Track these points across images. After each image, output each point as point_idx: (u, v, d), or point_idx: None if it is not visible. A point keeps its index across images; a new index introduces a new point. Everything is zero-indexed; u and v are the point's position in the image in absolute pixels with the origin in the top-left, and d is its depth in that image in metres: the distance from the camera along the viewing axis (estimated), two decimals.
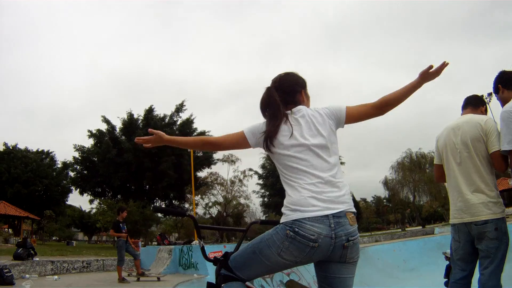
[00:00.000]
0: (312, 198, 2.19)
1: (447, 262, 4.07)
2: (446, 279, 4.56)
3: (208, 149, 2.53)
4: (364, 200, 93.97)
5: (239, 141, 2.51)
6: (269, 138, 2.39)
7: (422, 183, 52.19)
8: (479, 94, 4.43)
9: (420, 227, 47.70)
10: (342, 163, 52.05)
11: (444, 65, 2.47)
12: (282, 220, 2.24)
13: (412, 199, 55.75)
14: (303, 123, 2.41)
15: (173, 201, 50.20)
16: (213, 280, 2.43)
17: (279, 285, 10.10)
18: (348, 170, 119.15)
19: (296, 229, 2.12)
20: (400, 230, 55.51)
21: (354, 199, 59.16)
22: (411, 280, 16.29)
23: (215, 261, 2.59)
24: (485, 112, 4.09)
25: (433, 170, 4.35)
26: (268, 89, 2.56)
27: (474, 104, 4.12)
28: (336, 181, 2.29)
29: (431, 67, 2.44)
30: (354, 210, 2.29)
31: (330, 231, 2.12)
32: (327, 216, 2.14)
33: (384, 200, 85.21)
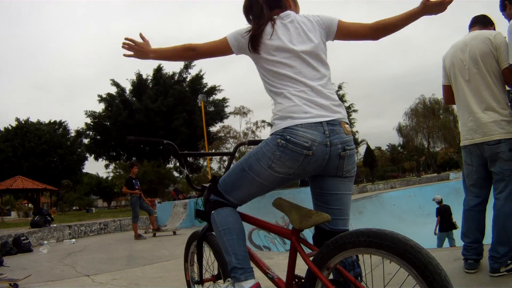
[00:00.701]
0: (304, 105, 1.99)
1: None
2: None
3: (189, 57, 2.19)
4: (379, 148, 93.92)
5: (220, 47, 2.28)
6: (253, 37, 2.17)
7: (436, 129, 51.83)
8: None
9: (436, 174, 47.67)
10: (355, 110, 51.98)
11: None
12: (272, 130, 2.05)
13: (426, 145, 55.44)
14: (291, 29, 2.19)
15: (188, 158, 50.37)
16: None
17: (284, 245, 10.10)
18: (362, 119, 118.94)
19: (288, 137, 1.93)
20: (415, 177, 55.46)
21: (368, 147, 59.40)
22: (427, 225, 16.34)
23: (202, 189, 2.44)
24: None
25: (442, 92, 4.03)
26: None
27: (483, 22, 3.84)
28: (327, 91, 2.09)
29: None
30: (348, 121, 2.10)
31: (325, 138, 1.94)
32: (320, 123, 1.95)
33: (399, 148, 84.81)
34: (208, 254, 2.71)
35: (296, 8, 2.42)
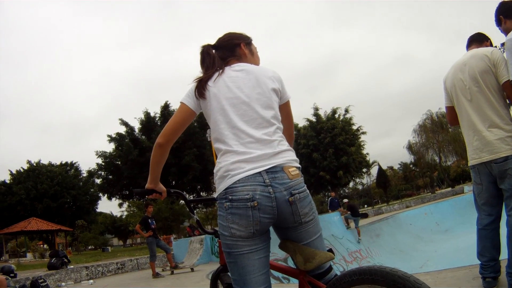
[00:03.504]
0: (239, 162, 1.97)
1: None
2: None
3: (164, 153, 2.14)
4: (391, 168, 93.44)
5: (182, 117, 2.20)
6: (200, 82, 2.16)
7: (446, 143, 51.64)
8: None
9: (450, 189, 47.24)
10: (363, 132, 51.88)
11: None
12: (216, 195, 2.03)
13: (438, 160, 55.11)
14: (241, 75, 2.17)
15: (201, 193, 50.28)
16: None
17: None
18: (371, 140, 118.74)
19: (230, 197, 1.91)
20: (430, 193, 54.96)
21: (380, 168, 58.75)
22: (447, 241, 16.24)
23: (215, 232, 2.52)
24: (490, 46, 3.88)
25: (445, 113, 4.07)
26: (203, 46, 2.36)
27: (478, 40, 3.91)
28: (272, 140, 2.05)
29: None
30: (296, 165, 2.05)
31: (265, 186, 1.91)
32: (259, 173, 1.93)
33: (411, 165, 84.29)
34: None
35: (253, 59, 2.40)
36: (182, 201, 48.40)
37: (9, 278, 7.59)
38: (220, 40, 2.38)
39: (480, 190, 3.66)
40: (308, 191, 2.04)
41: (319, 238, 2.08)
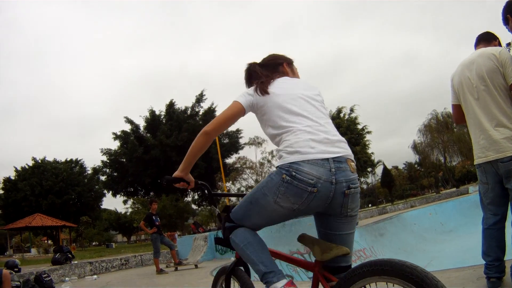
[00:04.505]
0: (310, 140, 2.04)
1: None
2: None
3: (207, 143, 2.21)
4: (396, 167, 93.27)
5: (233, 113, 2.31)
6: (262, 83, 2.35)
7: (451, 143, 51.45)
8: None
9: (455, 189, 47.09)
10: (369, 132, 51.84)
11: None
12: (278, 163, 2.08)
13: (443, 160, 54.94)
14: (291, 82, 2.43)
15: (205, 191, 50.42)
16: None
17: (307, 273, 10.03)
18: (376, 140, 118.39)
19: (293, 173, 1.96)
20: (434, 194, 54.80)
21: (385, 168, 58.60)
22: (450, 242, 16.12)
23: (219, 218, 2.60)
24: (498, 46, 3.86)
25: (451, 112, 4.05)
26: (250, 64, 2.61)
27: (486, 39, 3.89)
28: (331, 129, 2.17)
29: None
30: (353, 159, 2.14)
31: (331, 175, 1.96)
32: (327, 159, 1.98)
33: (416, 165, 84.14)
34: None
35: (295, 77, 2.60)
36: (186, 199, 48.66)
37: (13, 273, 7.60)
38: (265, 60, 2.63)
39: (486, 189, 3.64)
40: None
41: (352, 234, 2.15)
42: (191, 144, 2.32)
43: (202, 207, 54.33)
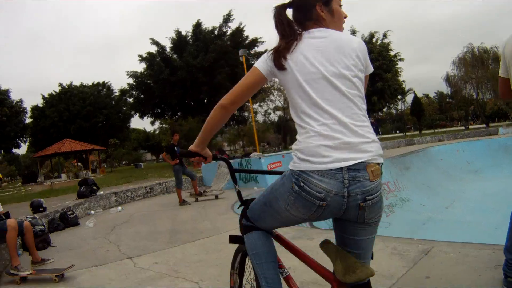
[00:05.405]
0: (323, 146, 1.78)
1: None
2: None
3: (226, 116, 2.01)
4: (427, 96, 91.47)
5: (253, 82, 2.02)
6: (276, 52, 1.96)
7: (485, 79, 49.52)
8: None
9: (484, 125, 46.09)
10: (401, 59, 50.29)
11: None
12: (290, 166, 1.90)
13: (475, 96, 53.45)
14: (321, 46, 1.91)
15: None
16: None
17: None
18: (408, 66, 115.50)
19: (302, 184, 1.79)
20: (463, 128, 53.84)
21: (416, 96, 57.53)
22: (474, 182, 16.03)
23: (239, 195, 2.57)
24: None
25: (498, 84, 3.41)
26: (276, 7, 2.10)
27: None
28: (357, 124, 1.83)
29: None
30: (381, 161, 1.84)
31: (343, 188, 1.75)
32: (341, 169, 1.74)
33: (447, 97, 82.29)
34: (250, 268, 2.70)
35: (334, 21, 2.06)
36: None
37: (37, 217, 7.72)
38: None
39: None
40: (382, 192, 1.88)
41: (372, 239, 1.96)
42: (207, 118, 2.14)
43: (229, 127, 54.70)
